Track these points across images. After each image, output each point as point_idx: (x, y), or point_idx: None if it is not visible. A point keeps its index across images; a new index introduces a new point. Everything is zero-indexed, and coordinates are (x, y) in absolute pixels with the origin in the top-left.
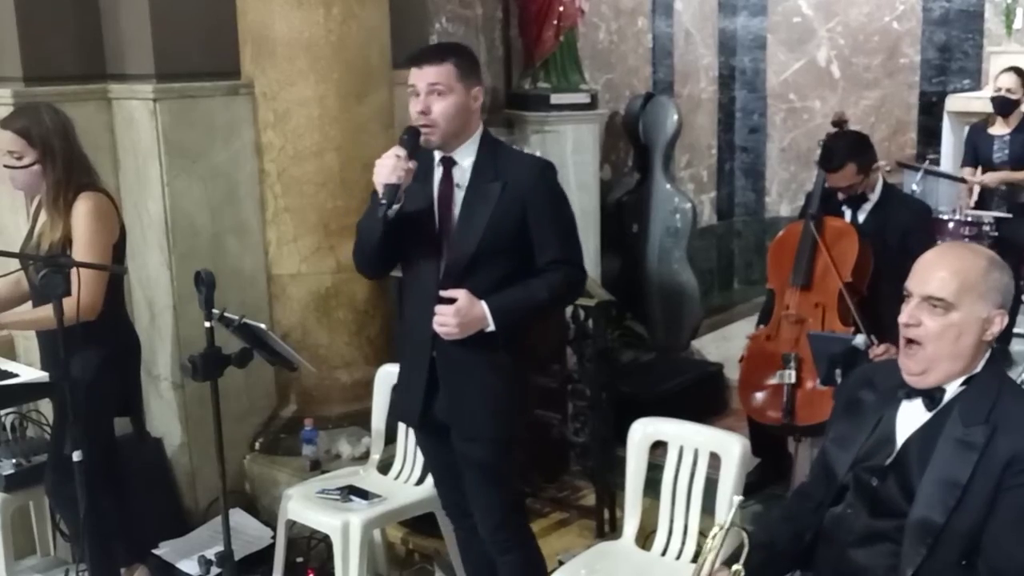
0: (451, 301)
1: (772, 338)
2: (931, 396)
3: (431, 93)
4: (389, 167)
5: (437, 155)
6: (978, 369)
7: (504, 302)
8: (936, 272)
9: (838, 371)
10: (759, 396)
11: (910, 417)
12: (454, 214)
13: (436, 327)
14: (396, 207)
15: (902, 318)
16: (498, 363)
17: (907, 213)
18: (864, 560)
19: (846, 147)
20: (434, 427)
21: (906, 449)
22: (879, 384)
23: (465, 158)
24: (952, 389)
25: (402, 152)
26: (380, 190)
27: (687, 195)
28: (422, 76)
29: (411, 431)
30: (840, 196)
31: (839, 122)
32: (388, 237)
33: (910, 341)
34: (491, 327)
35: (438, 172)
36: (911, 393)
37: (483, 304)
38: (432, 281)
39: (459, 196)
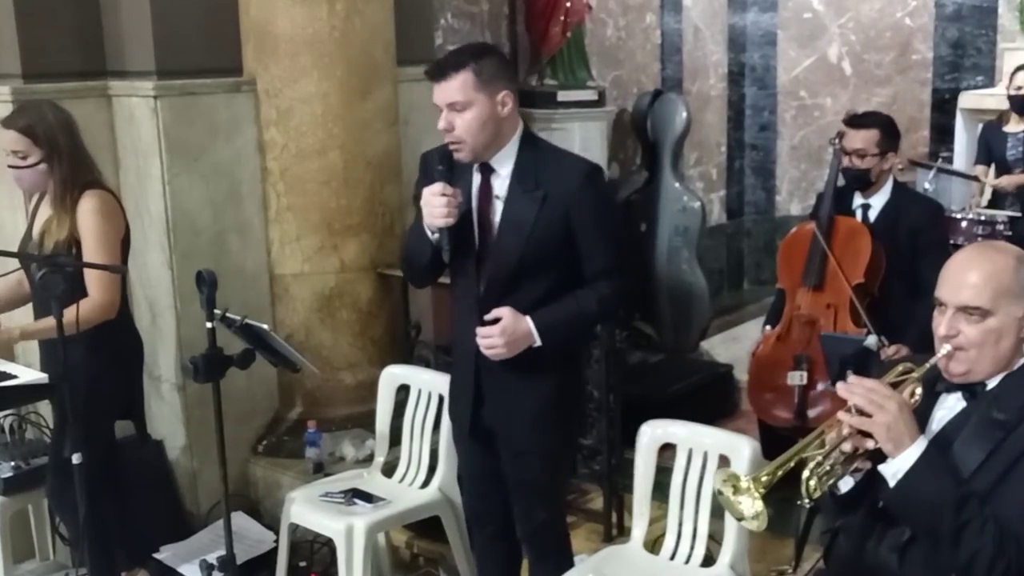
0: (495, 322)
1: (783, 338)
2: (972, 390)
3: (452, 109)
4: (442, 209)
5: None
6: (1016, 367)
7: (551, 318)
8: (967, 280)
9: (849, 372)
10: (769, 397)
11: (948, 409)
12: (494, 226)
13: (483, 350)
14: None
15: (940, 330)
16: (545, 378)
17: (918, 212)
18: (885, 557)
19: (879, 115)
20: (480, 435)
21: (942, 435)
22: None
23: (503, 165)
24: (992, 383)
25: (449, 189)
26: (432, 232)
27: (696, 194)
28: (439, 93)
29: (417, 434)
30: (850, 163)
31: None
32: (435, 259)
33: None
34: (537, 343)
35: (476, 179)
36: (951, 387)
37: (528, 320)
38: (473, 295)
39: (499, 208)
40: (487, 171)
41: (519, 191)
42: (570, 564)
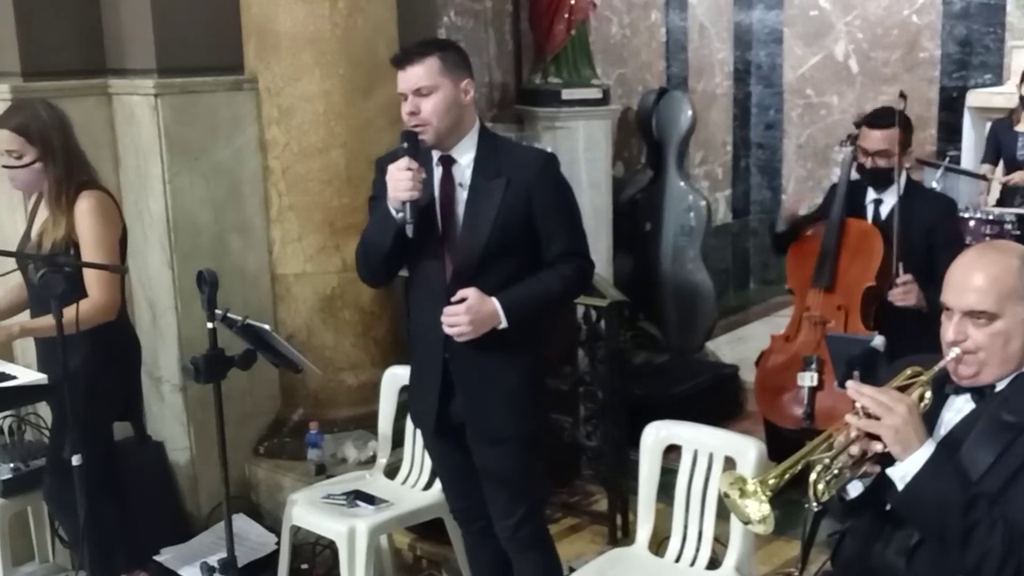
0: (460, 302)
1: (792, 339)
2: (981, 392)
3: (418, 94)
4: (407, 182)
5: (435, 154)
6: None
7: (515, 297)
8: (971, 283)
9: (856, 373)
10: (777, 399)
11: (956, 411)
12: (457, 215)
13: (447, 329)
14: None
15: (948, 335)
16: (514, 360)
17: (931, 210)
18: (892, 559)
19: (895, 111)
20: (449, 430)
21: (950, 437)
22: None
23: (464, 155)
24: (1000, 385)
25: (414, 164)
26: (397, 206)
27: (701, 193)
28: (405, 79)
29: (419, 434)
30: (870, 164)
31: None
32: (396, 245)
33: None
34: (503, 324)
35: (437, 172)
36: (959, 389)
37: (494, 300)
38: (439, 283)
39: (462, 196)
40: (448, 162)
41: (482, 178)
42: (553, 556)
